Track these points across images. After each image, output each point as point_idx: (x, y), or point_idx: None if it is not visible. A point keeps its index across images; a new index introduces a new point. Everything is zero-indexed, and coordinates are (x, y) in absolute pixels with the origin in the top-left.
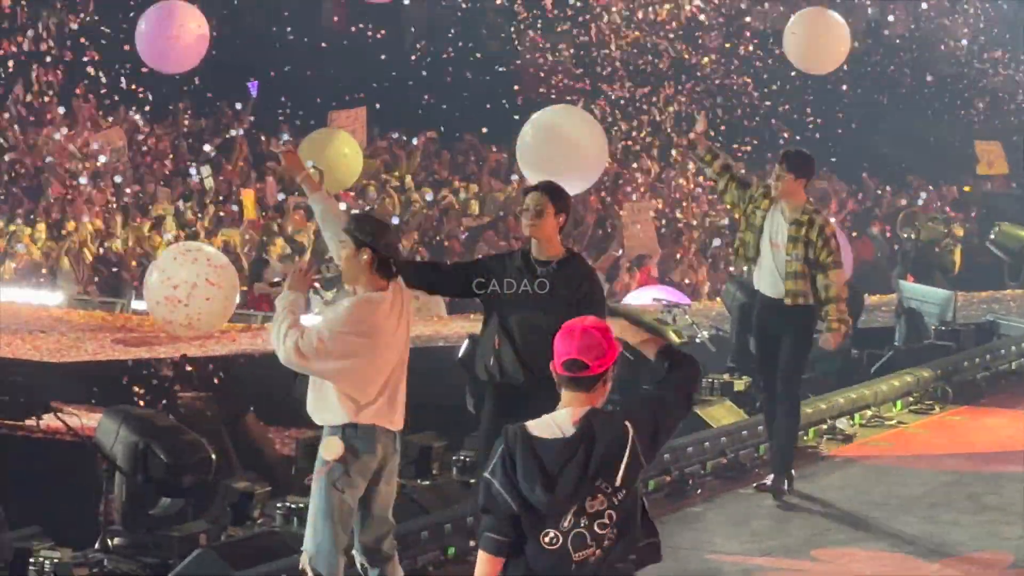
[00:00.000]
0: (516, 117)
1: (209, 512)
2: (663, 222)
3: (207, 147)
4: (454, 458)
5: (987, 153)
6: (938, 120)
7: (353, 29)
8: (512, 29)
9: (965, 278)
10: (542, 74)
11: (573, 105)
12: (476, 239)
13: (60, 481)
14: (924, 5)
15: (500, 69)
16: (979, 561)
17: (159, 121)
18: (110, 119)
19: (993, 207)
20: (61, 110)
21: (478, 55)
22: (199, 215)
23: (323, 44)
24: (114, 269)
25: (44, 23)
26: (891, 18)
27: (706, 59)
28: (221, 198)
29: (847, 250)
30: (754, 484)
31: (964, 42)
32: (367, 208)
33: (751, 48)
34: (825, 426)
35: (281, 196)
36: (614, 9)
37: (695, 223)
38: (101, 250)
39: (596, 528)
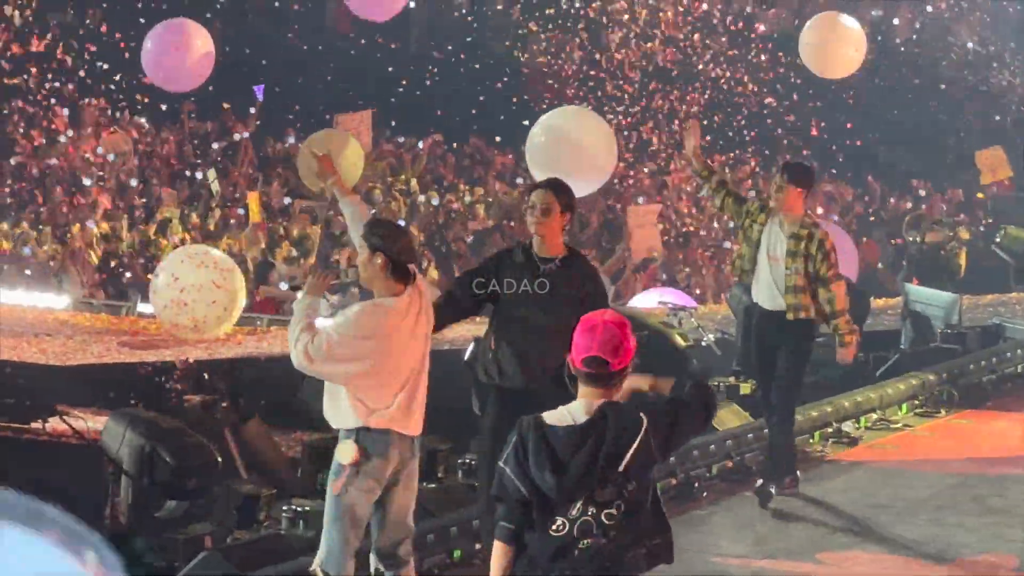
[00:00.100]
0: (523, 121)
1: (214, 515)
2: (669, 225)
3: (213, 149)
4: (460, 461)
5: (989, 161)
6: (943, 123)
7: (358, 33)
8: (518, 32)
9: (971, 281)
10: (548, 78)
11: (583, 107)
12: (482, 243)
13: (65, 484)
14: (929, 8)
15: (506, 72)
16: (985, 564)
17: (164, 125)
18: (116, 122)
19: (998, 210)
20: (66, 113)
21: (484, 58)
22: (205, 218)
23: (328, 47)
24: (120, 272)
25: (50, 27)
26: (896, 21)
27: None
28: (228, 204)
29: (853, 254)
30: (756, 487)
31: (969, 45)
32: (372, 212)
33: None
34: (831, 429)
35: (287, 200)
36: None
37: (702, 228)
38: (107, 253)
39: (604, 518)
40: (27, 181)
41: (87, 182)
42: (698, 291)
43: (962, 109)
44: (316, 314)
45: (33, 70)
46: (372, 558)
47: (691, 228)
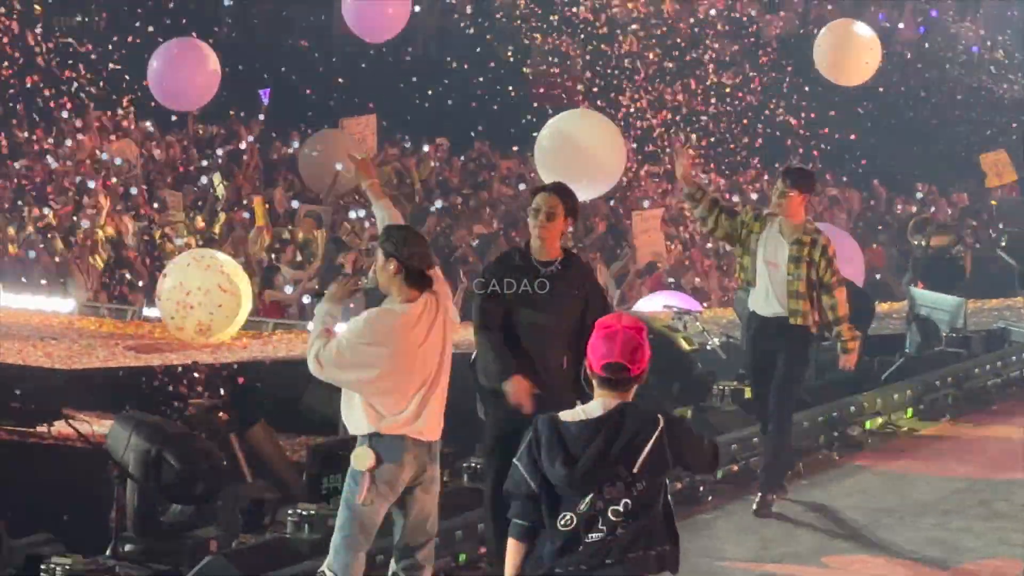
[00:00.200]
0: (528, 126)
1: (220, 519)
2: (673, 229)
3: (218, 153)
4: (464, 465)
5: (994, 164)
6: (947, 127)
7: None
8: (522, 36)
9: (976, 285)
10: (553, 81)
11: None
12: (487, 247)
13: (71, 488)
14: (934, 13)
15: (511, 76)
16: (990, 568)
17: (170, 129)
18: (121, 125)
19: (1003, 214)
20: (73, 117)
21: (489, 62)
22: (210, 223)
23: (334, 52)
24: (125, 276)
25: (56, 30)
26: (901, 25)
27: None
28: (234, 208)
29: (859, 258)
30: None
31: (974, 49)
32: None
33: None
34: (836, 433)
35: (295, 204)
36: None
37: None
38: (112, 257)
39: (610, 514)
40: (33, 184)
41: (92, 186)
42: (703, 295)
43: (967, 113)
44: (335, 321)
45: (39, 74)
46: (392, 562)
47: (696, 232)
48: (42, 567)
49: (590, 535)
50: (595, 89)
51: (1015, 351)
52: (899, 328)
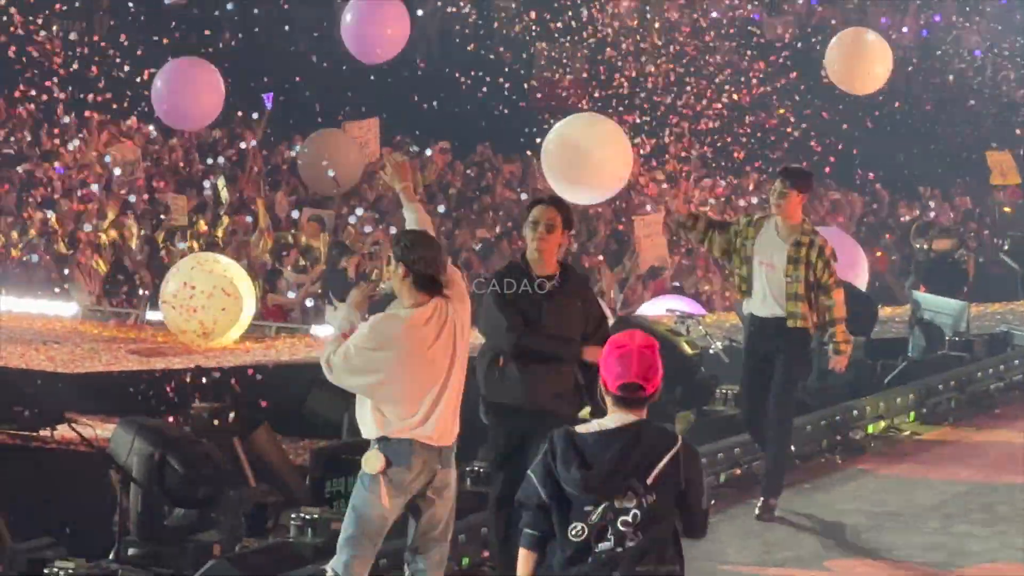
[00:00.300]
0: (530, 130)
1: (223, 523)
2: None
3: (221, 159)
4: (468, 468)
5: (999, 164)
6: (950, 131)
7: None
8: (525, 40)
9: (979, 289)
10: (556, 86)
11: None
12: (490, 251)
13: (74, 492)
14: (937, 17)
15: (513, 81)
16: (993, 572)
17: (173, 133)
18: (124, 129)
19: (1005, 218)
20: (75, 120)
21: (491, 67)
22: (213, 226)
23: (337, 56)
24: (128, 280)
25: (57, 34)
26: (905, 29)
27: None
28: (238, 211)
29: (862, 262)
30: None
31: (977, 52)
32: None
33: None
34: (838, 437)
35: (295, 214)
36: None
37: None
38: (115, 261)
39: (619, 524)
40: (36, 188)
41: (95, 189)
42: (706, 299)
43: (970, 116)
44: (352, 326)
45: (42, 78)
46: (405, 566)
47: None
48: (45, 571)
49: (600, 545)
50: (597, 94)
51: (1018, 355)
52: (902, 332)
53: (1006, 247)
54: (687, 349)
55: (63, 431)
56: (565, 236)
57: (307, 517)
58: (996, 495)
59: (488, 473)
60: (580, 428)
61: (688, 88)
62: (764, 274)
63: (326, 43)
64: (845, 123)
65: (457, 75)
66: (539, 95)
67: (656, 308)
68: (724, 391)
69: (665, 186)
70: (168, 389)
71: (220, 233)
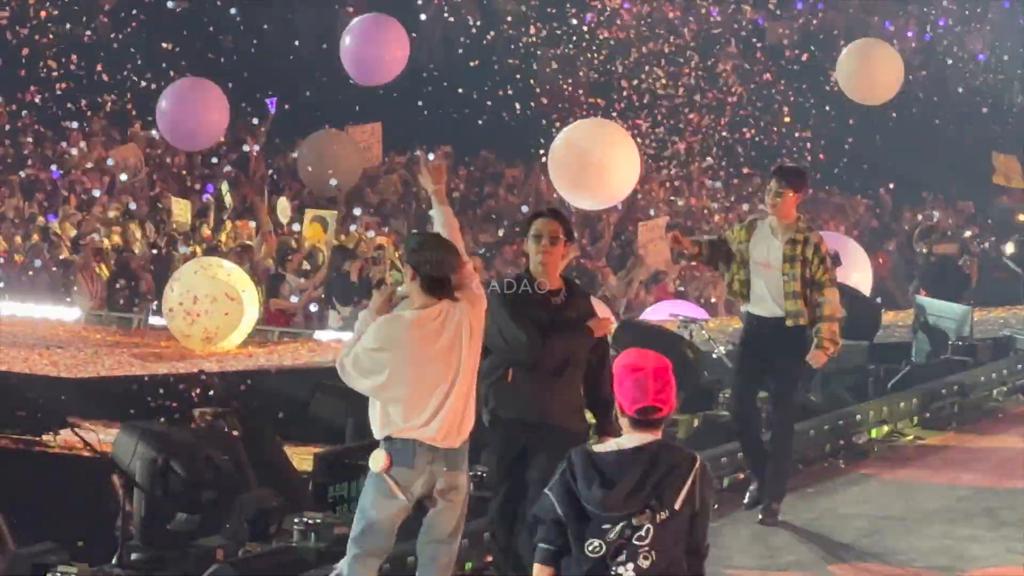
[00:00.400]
0: (533, 135)
1: (226, 528)
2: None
3: (224, 161)
4: (469, 472)
5: (1004, 165)
6: (953, 135)
7: None
8: (529, 45)
9: (981, 293)
10: (559, 91)
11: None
12: (493, 255)
13: (77, 496)
14: (941, 22)
15: (516, 86)
16: None
17: None
18: (126, 134)
19: (1009, 222)
20: (77, 125)
21: (495, 71)
22: (216, 231)
23: (339, 61)
24: (131, 285)
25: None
26: (910, 33)
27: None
28: (242, 215)
29: (866, 266)
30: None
31: (980, 57)
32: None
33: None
34: (842, 441)
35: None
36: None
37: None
38: (118, 266)
39: (635, 540)
40: (39, 193)
41: (98, 194)
42: (709, 303)
43: (974, 121)
44: None
45: (45, 82)
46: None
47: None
48: None
49: (616, 562)
50: (600, 100)
51: (1021, 359)
52: (905, 336)
53: (1010, 251)
54: (690, 353)
55: (66, 436)
56: (567, 247)
57: (310, 522)
58: (999, 500)
59: (490, 481)
60: (597, 448)
61: (693, 93)
62: (762, 274)
63: (330, 48)
64: (847, 127)
65: (460, 80)
66: (543, 100)
67: (660, 313)
68: (727, 395)
69: (668, 187)
70: (171, 394)
71: (223, 238)
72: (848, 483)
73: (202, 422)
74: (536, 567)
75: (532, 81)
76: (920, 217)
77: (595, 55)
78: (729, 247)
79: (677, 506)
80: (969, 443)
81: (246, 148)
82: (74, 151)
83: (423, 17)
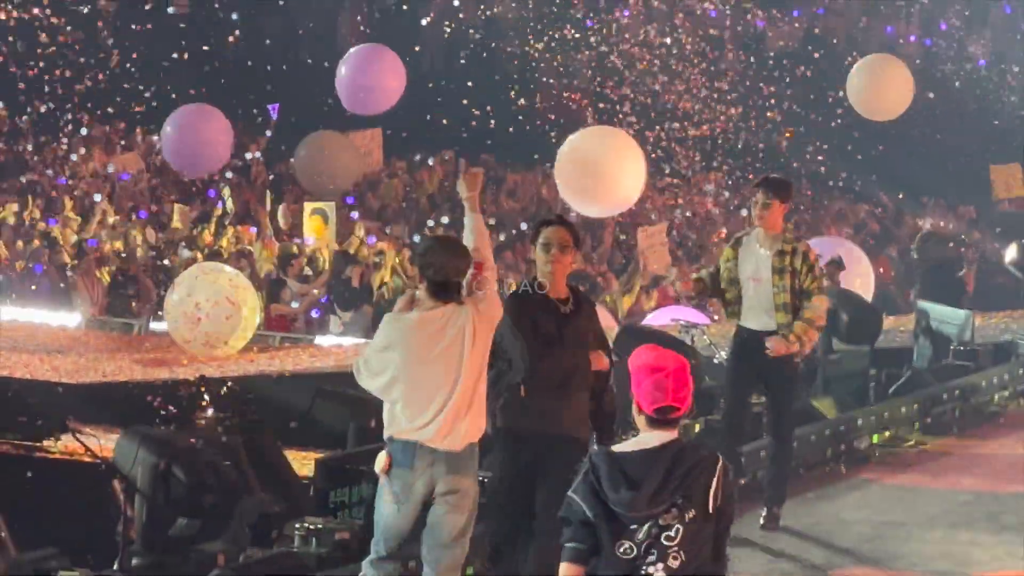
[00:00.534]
0: (534, 140)
1: (227, 533)
2: (681, 243)
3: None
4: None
5: (1003, 176)
6: (954, 140)
7: None
8: (530, 50)
9: (982, 298)
10: (560, 96)
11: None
12: (494, 259)
13: (78, 502)
14: (943, 26)
15: (517, 91)
16: None
17: None
18: (127, 139)
19: (1010, 227)
20: (79, 130)
21: (495, 77)
22: (217, 236)
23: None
24: (132, 290)
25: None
26: (912, 38)
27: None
28: (244, 220)
29: (868, 272)
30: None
31: (981, 63)
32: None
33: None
34: (843, 446)
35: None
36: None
37: (713, 244)
38: (119, 271)
39: (663, 540)
40: (40, 198)
41: (98, 200)
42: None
43: (975, 126)
44: None
45: (46, 85)
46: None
47: (703, 243)
48: None
49: (647, 563)
50: (601, 104)
51: (1022, 364)
52: (906, 342)
53: (1011, 256)
54: (691, 358)
55: (67, 441)
56: (574, 255)
57: (311, 527)
58: (1001, 504)
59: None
60: (616, 448)
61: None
62: (752, 288)
63: (331, 53)
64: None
65: (461, 85)
66: (543, 105)
67: (661, 318)
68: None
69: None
70: (172, 399)
71: (224, 243)
72: (849, 488)
73: (203, 427)
74: (564, 566)
75: (532, 86)
76: (920, 222)
77: (595, 61)
78: (716, 274)
79: (704, 504)
80: (970, 448)
81: (248, 155)
82: (74, 156)
83: (424, 23)
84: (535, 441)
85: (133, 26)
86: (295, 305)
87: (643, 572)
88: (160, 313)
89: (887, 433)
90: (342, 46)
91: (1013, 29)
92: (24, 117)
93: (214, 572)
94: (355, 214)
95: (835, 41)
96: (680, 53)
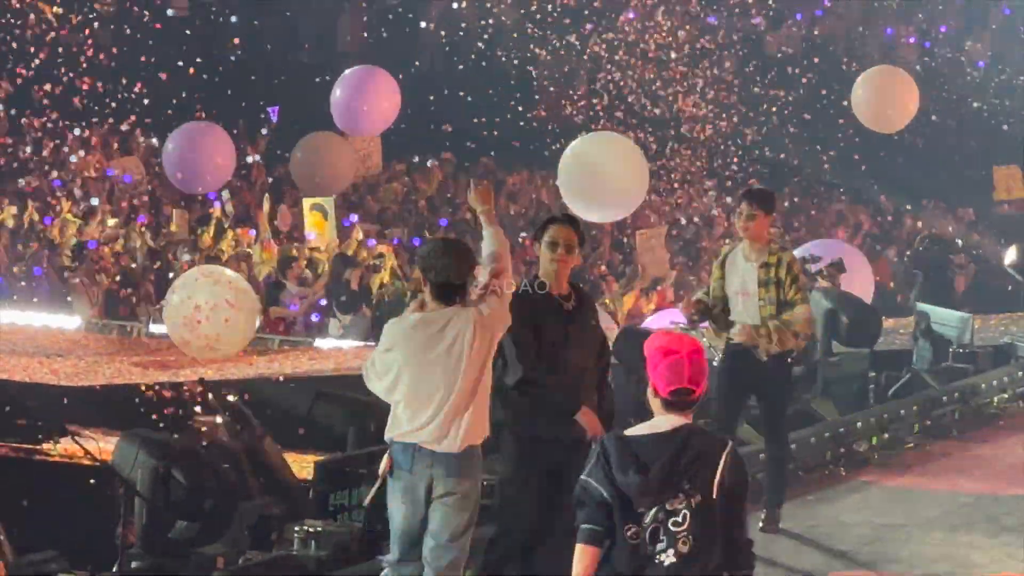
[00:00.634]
0: (533, 142)
1: (227, 536)
2: (680, 245)
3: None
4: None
5: (1005, 178)
6: (953, 142)
7: (369, 54)
8: (530, 52)
9: (980, 300)
10: (560, 98)
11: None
12: None
13: (77, 505)
14: (943, 28)
15: (517, 93)
16: None
17: None
18: (127, 142)
19: (1010, 229)
20: (78, 133)
21: (495, 78)
22: (217, 239)
23: (339, 68)
24: (132, 293)
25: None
26: (912, 40)
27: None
28: (243, 223)
29: (868, 274)
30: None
31: (980, 64)
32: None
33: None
34: (842, 448)
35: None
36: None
37: (713, 245)
38: (119, 274)
39: (670, 525)
40: (38, 201)
41: (97, 203)
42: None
43: (974, 128)
44: None
45: (47, 88)
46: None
47: (702, 245)
48: None
49: (656, 549)
50: (600, 108)
51: (1022, 367)
52: (906, 344)
53: (1010, 259)
54: None
55: (66, 444)
56: (579, 255)
57: (311, 530)
58: (1000, 506)
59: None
60: (628, 431)
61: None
62: (740, 303)
63: (331, 56)
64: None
65: (460, 87)
66: (543, 108)
67: (660, 321)
68: None
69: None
70: (171, 402)
71: (224, 246)
72: (849, 490)
73: (203, 430)
74: (580, 547)
75: (532, 88)
76: (920, 224)
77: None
78: (710, 299)
79: (710, 490)
80: (970, 450)
81: (248, 158)
82: (73, 159)
83: (424, 25)
84: (552, 444)
85: (132, 29)
86: (294, 308)
87: (655, 559)
88: (158, 315)
89: (887, 435)
90: (342, 49)
91: (1012, 30)
92: (23, 120)
93: (213, 575)
94: (354, 216)
95: (831, 48)
96: (680, 58)
